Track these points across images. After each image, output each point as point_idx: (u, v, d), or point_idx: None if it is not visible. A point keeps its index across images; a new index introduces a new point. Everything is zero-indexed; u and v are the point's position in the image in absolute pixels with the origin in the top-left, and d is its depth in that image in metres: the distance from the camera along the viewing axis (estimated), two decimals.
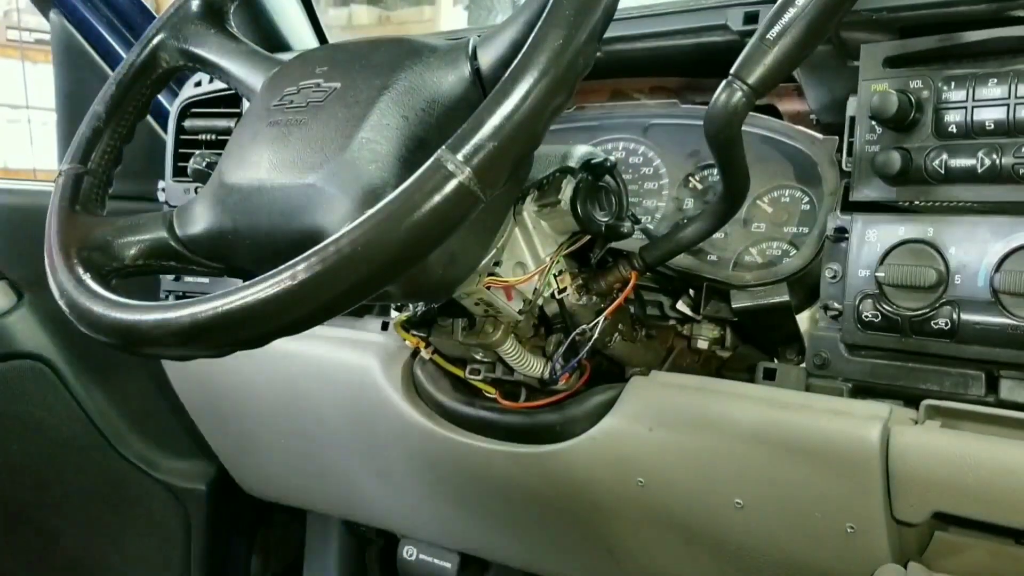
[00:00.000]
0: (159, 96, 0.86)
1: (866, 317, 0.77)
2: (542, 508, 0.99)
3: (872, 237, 0.78)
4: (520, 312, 0.86)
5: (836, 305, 0.81)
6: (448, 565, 1.20)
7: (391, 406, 1.03)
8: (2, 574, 1.58)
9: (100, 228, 0.74)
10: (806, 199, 0.88)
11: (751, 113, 0.72)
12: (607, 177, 0.83)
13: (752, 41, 0.69)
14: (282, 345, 0.68)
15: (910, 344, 0.76)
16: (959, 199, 0.75)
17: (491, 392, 0.98)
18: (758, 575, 0.86)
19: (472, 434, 0.98)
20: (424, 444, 1.02)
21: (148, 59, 0.83)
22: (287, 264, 0.55)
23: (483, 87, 0.70)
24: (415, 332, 0.98)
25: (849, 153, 0.81)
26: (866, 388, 0.81)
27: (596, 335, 0.87)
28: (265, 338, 0.57)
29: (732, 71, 0.69)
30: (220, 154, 0.79)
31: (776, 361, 0.88)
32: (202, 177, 1.19)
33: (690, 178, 0.96)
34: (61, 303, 0.69)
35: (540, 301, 0.87)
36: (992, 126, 0.72)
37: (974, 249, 0.73)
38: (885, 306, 0.76)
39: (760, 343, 0.92)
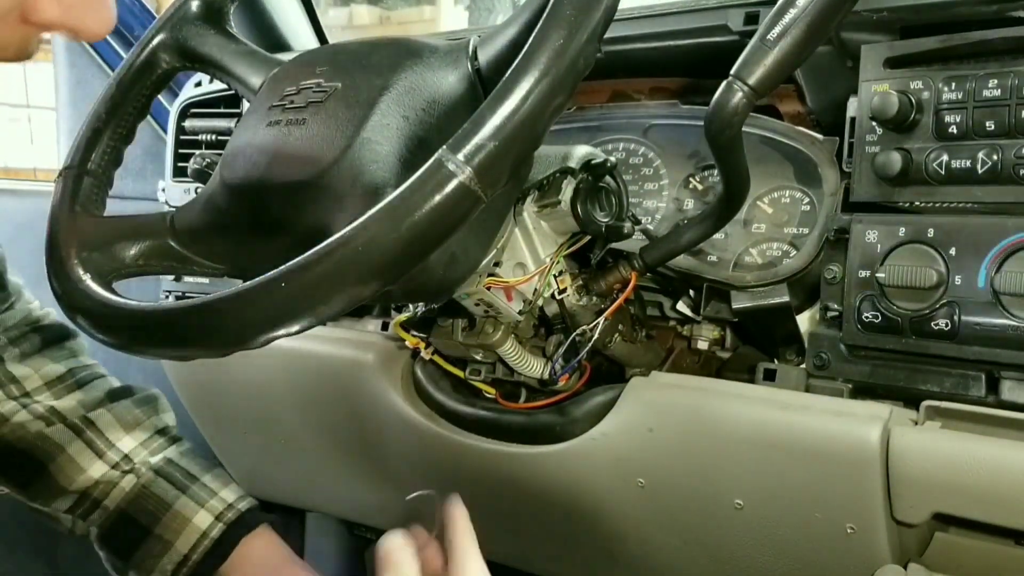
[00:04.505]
0: (159, 96, 0.86)
1: (866, 318, 0.77)
2: (542, 508, 0.99)
3: (872, 238, 0.78)
4: (520, 313, 0.86)
5: (836, 306, 0.81)
6: None
7: (391, 406, 1.03)
8: (2, 574, 1.58)
9: (100, 228, 0.74)
10: (806, 200, 0.88)
11: (751, 114, 0.72)
12: (607, 178, 0.83)
13: (752, 42, 0.69)
14: (282, 345, 0.68)
15: (910, 345, 0.76)
16: (959, 200, 0.75)
17: (491, 392, 0.98)
18: (758, 575, 0.86)
19: (472, 434, 0.98)
20: (424, 444, 1.02)
21: (148, 59, 0.83)
22: (287, 264, 0.55)
23: (483, 87, 0.70)
24: (415, 332, 0.98)
25: (849, 154, 0.81)
26: (866, 389, 0.81)
27: (596, 336, 0.87)
28: (266, 339, 0.57)
29: (732, 72, 0.69)
30: (220, 154, 0.79)
31: (776, 362, 0.88)
32: (202, 177, 1.19)
33: (690, 179, 0.96)
34: (61, 304, 0.69)
35: (540, 302, 0.87)
36: (992, 127, 0.72)
37: (974, 250, 0.73)
38: (885, 307, 0.76)
39: (760, 344, 0.92)
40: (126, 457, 1.03)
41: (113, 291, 0.67)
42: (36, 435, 1.01)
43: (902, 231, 0.76)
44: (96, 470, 1.01)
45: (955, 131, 0.73)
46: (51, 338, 1.10)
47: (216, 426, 1.36)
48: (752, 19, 0.87)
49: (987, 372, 0.74)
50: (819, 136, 0.89)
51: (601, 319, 0.87)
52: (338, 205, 0.66)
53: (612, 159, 0.82)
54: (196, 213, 0.76)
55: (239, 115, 1.23)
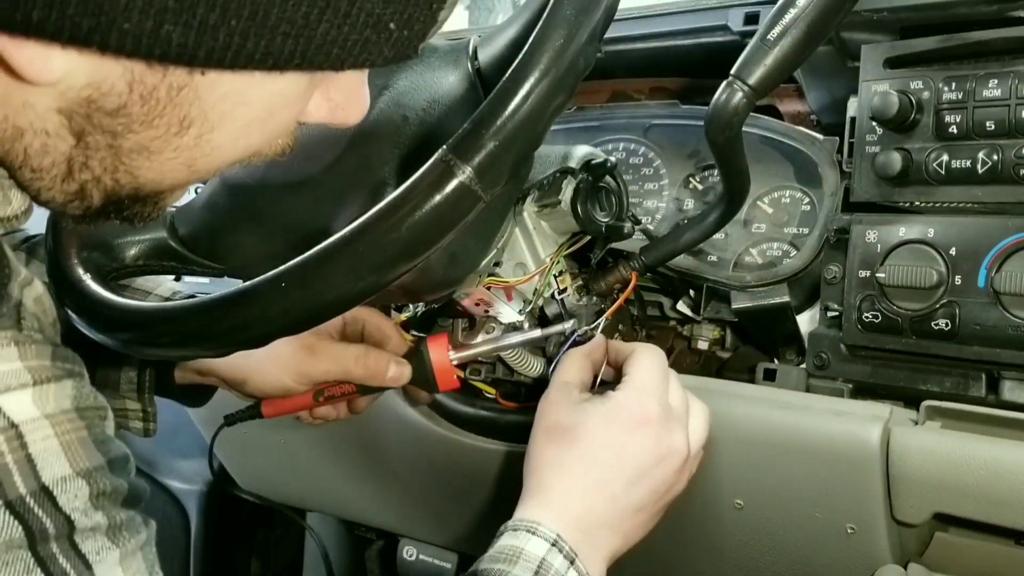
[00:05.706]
0: None
1: (866, 318, 0.77)
2: None
3: (872, 238, 0.78)
4: (520, 312, 0.86)
5: (836, 306, 0.81)
6: (448, 565, 1.20)
7: (391, 406, 1.03)
8: None
9: (100, 228, 0.74)
10: (806, 200, 0.88)
11: (751, 114, 0.72)
12: (607, 178, 0.83)
13: (753, 42, 0.69)
14: None
15: (910, 345, 0.76)
16: (959, 200, 0.75)
17: (491, 392, 0.98)
18: (758, 575, 0.86)
19: (472, 434, 0.98)
20: (424, 444, 1.02)
21: None
22: (287, 264, 0.55)
23: (484, 87, 0.70)
24: (415, 332, 0.97)
25: (850, 154, 0.81)
26: (866, 389, 0.81)
27: (597, 336, 0.87)
28: (266, 338, 0.57)
29: (732, 72, 0.69)
30: None
31: (776, 362, 0.88)
32: None
33: (690, 179, 0.96)
34: (61, 303, 0.69)
35: (540, 301, 0.87)
36: (992, 127, 0.72)
37: (974, 249, 0.73)
38: (885, 307, 0.76)
39: (760, 344, 0.92)
40: None
41: (113, 291, 0.67)
42: None
43: (902, 231, 0.76)
44: None
45: (955, 131, 0.73)
46: None
47: (215, 425, 1.36)
48: (752, 19, 0.87)
49: (987, 372, 0.74)
50: (819, 136, 0.89)
51: (601, 319, 0.87)
52: (337, 204, 0.66)
53: (612, 159, 0.82)
54: (196, 213, 0.76)
55: None
